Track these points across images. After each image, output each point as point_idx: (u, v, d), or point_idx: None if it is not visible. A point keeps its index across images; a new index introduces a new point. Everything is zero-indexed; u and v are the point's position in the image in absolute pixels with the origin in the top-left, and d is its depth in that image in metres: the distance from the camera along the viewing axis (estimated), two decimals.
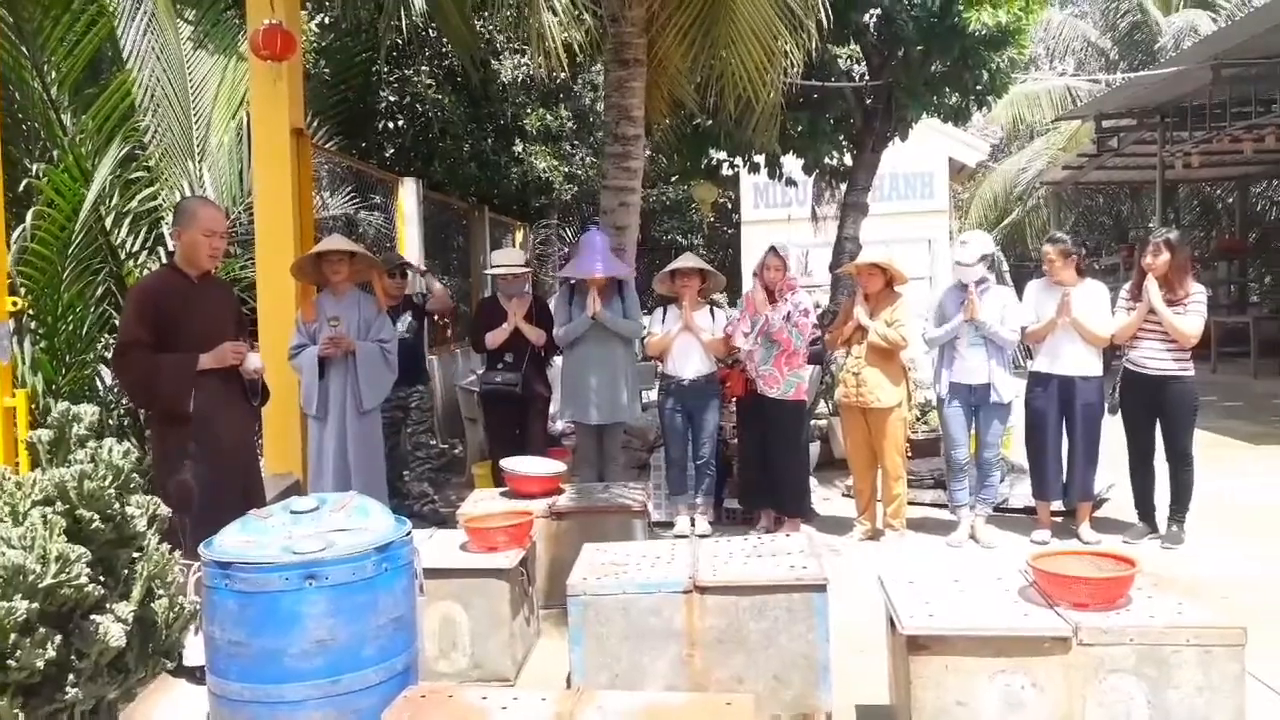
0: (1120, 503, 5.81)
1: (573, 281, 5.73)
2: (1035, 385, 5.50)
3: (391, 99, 10.06)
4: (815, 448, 6.93)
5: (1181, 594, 3.11)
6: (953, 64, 7.32)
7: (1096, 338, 5.32)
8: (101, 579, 1.97)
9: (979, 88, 7.48)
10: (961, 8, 6.77)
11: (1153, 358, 5.27)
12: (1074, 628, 2.77)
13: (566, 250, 12.57)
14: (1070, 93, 18.49)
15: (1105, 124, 13.72)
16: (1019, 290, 5.80)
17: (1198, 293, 5.20)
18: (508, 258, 6.15)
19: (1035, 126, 19.88)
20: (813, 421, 6.98)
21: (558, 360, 6.18)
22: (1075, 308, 5.27)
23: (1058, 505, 5.66)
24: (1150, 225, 16.30)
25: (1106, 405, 5.42)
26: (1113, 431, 5.58)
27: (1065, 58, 21.55)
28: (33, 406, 3.78)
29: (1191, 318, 5.15)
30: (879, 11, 7.23)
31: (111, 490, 1.98)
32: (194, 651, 2.75)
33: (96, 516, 1.96)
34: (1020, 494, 6.01)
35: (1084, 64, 20.65)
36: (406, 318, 6.26)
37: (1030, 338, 5.50)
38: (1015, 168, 19.77)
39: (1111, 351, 5.60)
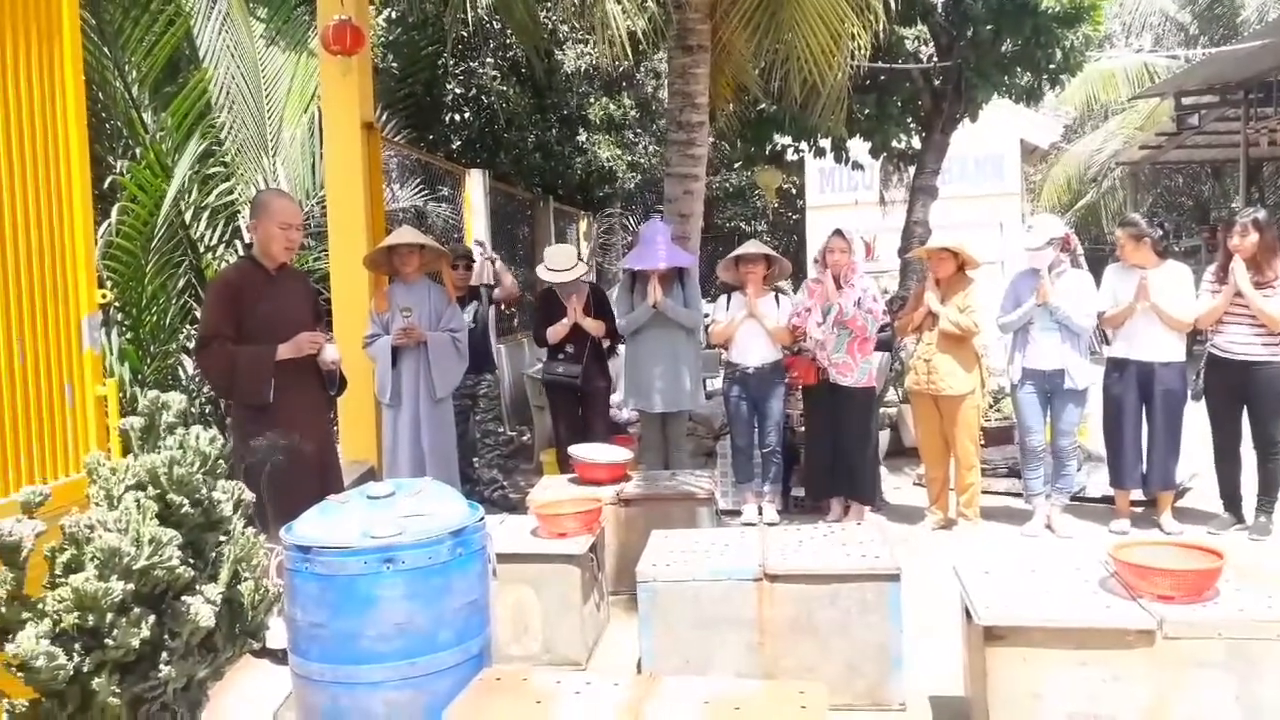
0: (1204, 492, 5.64)
1: (634, 271, 5.73)
2: (1113, 371, 5.36)
3: (458, 91, 10.16)
4: (884, 436, 6.84)
5: (1271, 587, 3.00)
6: (1024, 43, 7.14)
7: (1177, 322, 5.15)
8: (191, 561, 2.04)
9: (1052, 66, 7.28)
10: None
11: (1239, 342, 5.09)
12: (1159, 621, 2.69)
13: (630, 239, 12.58)
14: (1147, 69, 17.86)
15: (1185, 101, 13.24)
16: (1095, 275, 5.65)
17: None
18: (559, 258, 5.99)
19: (1110, 105, 19.27)
20: (881, 409, 6.89)
21: (621, 349, 6.20)
22: (1153, 291, 5.11)
23: (1137, 495, 5.51)
24: (1233, 205, 15.71)
25: (1190, 391, 5.26)
26: (1196, 419, 5.41)
27: (1142, 33, 20.83)
28: (119, 396, 3.92)
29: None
30: None
31: (199, 476, 2.05)
32: (275, 634, 2.83)
33: (186, 501, 2.02)
34: (1097, 483, 5.86)
35: (1162, 39, 19.96)
36: (474, 307, 6.33)
37: (1107, 323, 5.35)
38: (1089, 149, 19.20)
39: (1194, 336, 5.41)
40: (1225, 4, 17.69)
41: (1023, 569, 3.20)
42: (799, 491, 6.02)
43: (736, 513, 5.80)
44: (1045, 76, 7.44)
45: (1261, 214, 5.14)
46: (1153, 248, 5.26)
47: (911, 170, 8.71)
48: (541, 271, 6.14)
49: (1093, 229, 19.26)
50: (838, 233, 5.55)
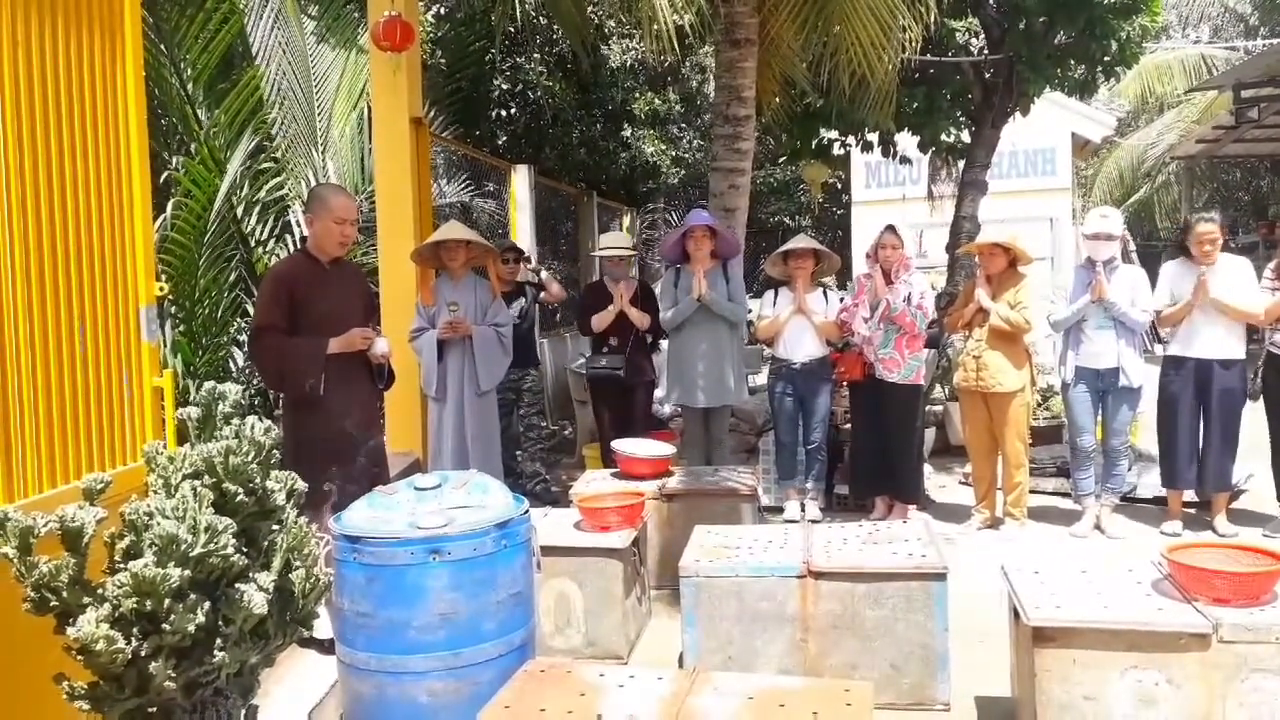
0: (1260, 494, 5.49)
1: (678, 266, 5.72)
2: (1170, 369, 5.25)
3: (504, 87, 10.22)
4: (930, 433, 6.77)
5: None
6: (1078, 34, 7.00)
7: (1246, 315, 5.02)
8: (244, 550, 2.08)
9: (1106, 59, 7.13)
10: None
11: None
12: (1214, 624, 2.63)
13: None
14: (1205, 61, 17.45)
15: (1244, 94, 12.89)
16: (1149, 272, 5.54)
17: None
18: (615, 240, 6.23)
19: (1166, 98, 18.85)
20: (928, 406, 6.82)
21: (664, 344, 6.21)
22: (1214, 287, 4.99)
23: (1189, 496, 5.40)
24: None
25: (1248, 391, 5.14)
26: (1252, 418, 5.28)
27: (1200, 25, 20.34)
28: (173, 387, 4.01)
29: None
30: None
31: (254, 465, 2.08)
32: (322, 623, 2.88)
33: (240, 490, 2.06)
34: (1148, 483, 5.75)
35: (1220, 30, 19.47)
36: (519, 302, 6.37)
37: (1165, 321, 5.24)
38: (1143, 142, 18.80)
39: (1251, 334, 5.30)
40: None
41: (1073, 570, 3.15)
42: (843, 489, 5.98)
43: (779, 509, 5.78)
44: (1099, 69, 7.29)
45: None
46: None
47: (960, 165, 8.59)
48: (597, 253, 6.36)
49: (1145, 225, 18.87)
50: (890, 228, 5.50)
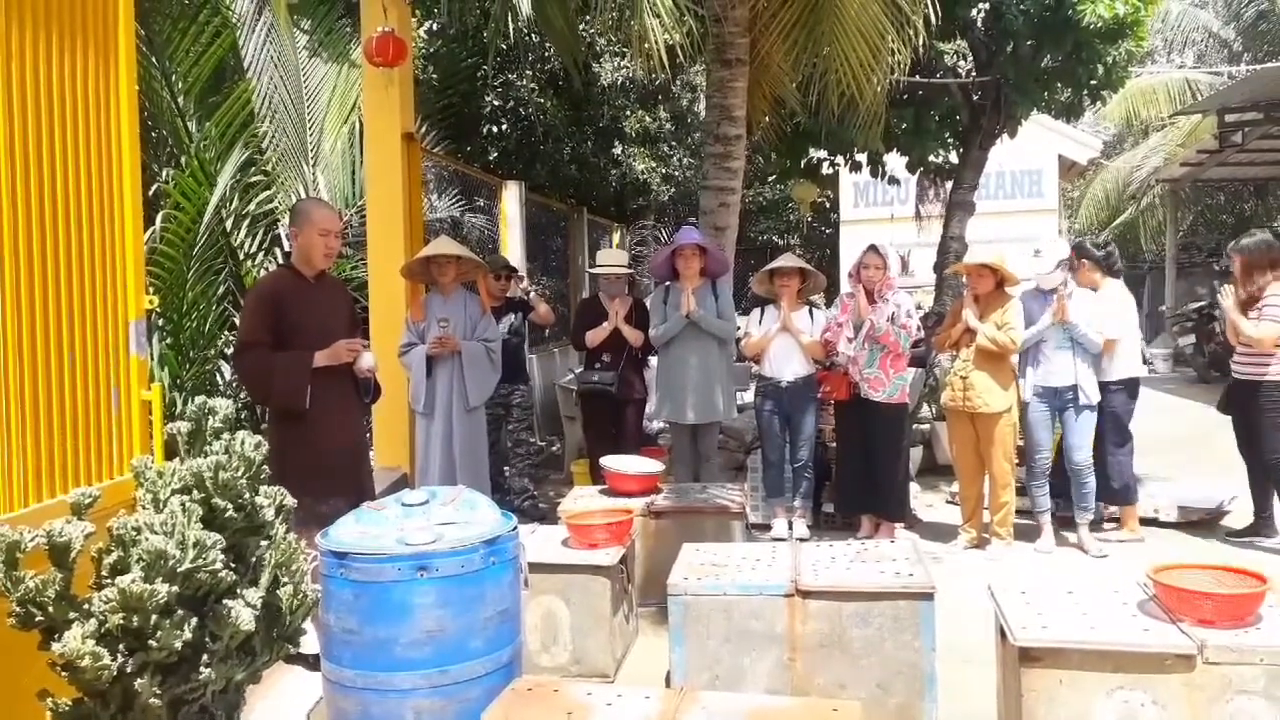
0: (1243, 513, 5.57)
1: (667, 283, 5.74)
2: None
3: (496, 103, 10.26)
4: (917, 452, 6.79)
5: None
6: (1065, 58, 7.09)
7: (1094, 344, 5.31)
8: (233, 565, 2.07)
9: (1093, 82, 7.22)
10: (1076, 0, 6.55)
11: (1238, 363, 5.37)
12: (1199, 645, 2.65)
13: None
14: (1190, 86, 17.64)
15: (1228, 118, 13.06)
16: (1134, 294, 5.66)
17: (1272, 295, 5.16)
18: (612, 258, 6.24)
19: (1151, 122, 19.05)
20: (915, 425, 6.85)
21: (654, 360, 6.22)
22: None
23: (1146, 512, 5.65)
24: (1276, 225, 15.44)
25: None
26: (1226, 435, 5.48)
27: (1184, 50, 20.57)
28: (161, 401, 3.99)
29: (1263, 324, 5.14)
30: (987, 5, 7.05)
31: (244, 480, 2.08)
32: (308, 639, 2.86)
33: (230, 505, 2.05)
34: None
35: (1204, 56, 19.69)
36: (510, 319, 6.37)
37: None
38: (1129, 165, 18.98)
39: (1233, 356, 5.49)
40: (1271, 20, 17.43)
41: (1059, 590, 3.16)
42: (830, 507, 5.99)
43: (767, 527, 5.78)
44: (1086, 92, 7.37)
45: (1246, 240, 5.44)
46: (1097, 269, 5.58)
47: (948, 185, 8.66)
48: (594, 270, 6.39)
49: (1130, 247, 19.01)
50: (872, 248, 5.53)
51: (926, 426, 7.26)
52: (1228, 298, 5.39)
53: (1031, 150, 12.25)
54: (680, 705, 2.44)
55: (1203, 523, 5.71)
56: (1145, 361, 5.63)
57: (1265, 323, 5.13)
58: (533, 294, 7.02)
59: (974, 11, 7.16)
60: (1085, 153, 14.66)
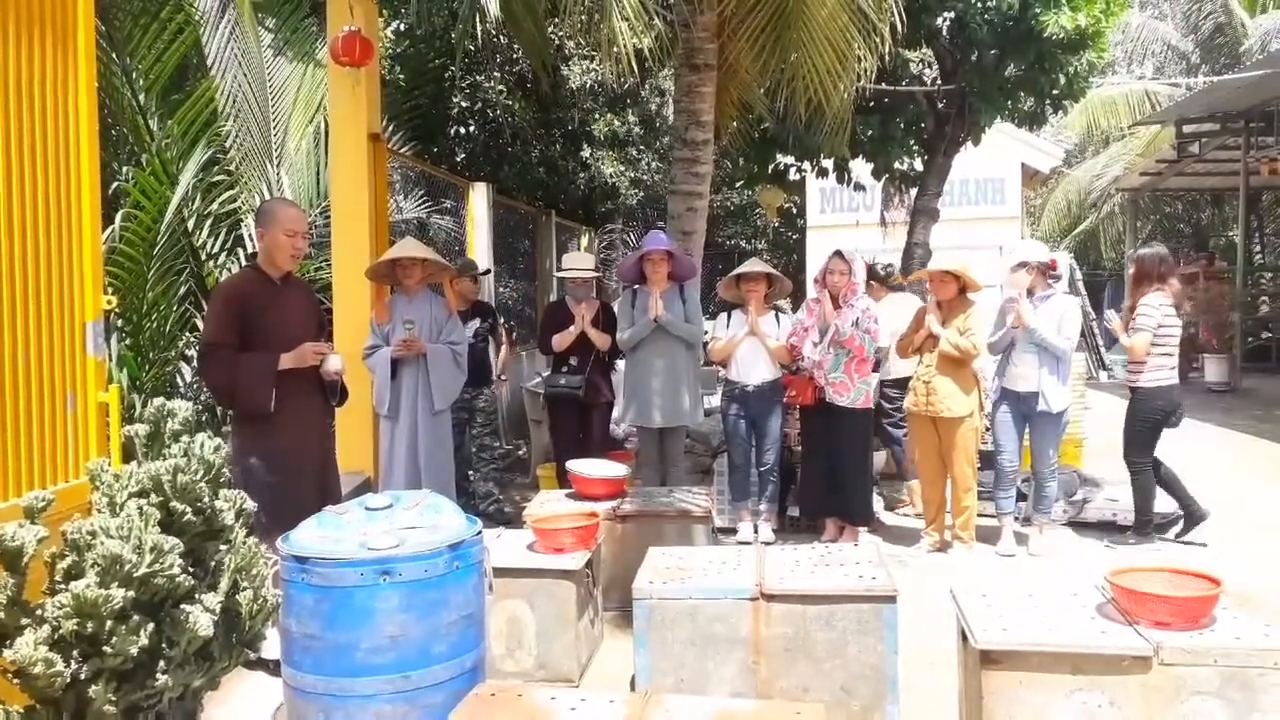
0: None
1: (635, 287, 5.74)
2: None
3: (464, 105, 10.21)
4: (880, 457, 6.84)
5: (1270, 615, 3.00)
6: (1028, 68, 7.18)
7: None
8: (191, 570, 2.04)
9: (1055, 92, 7.32)
10: (1039, 11, 6.64)
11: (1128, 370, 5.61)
12: (1155, 647, 2.69)
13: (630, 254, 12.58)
14: (1149, 97, 17.96)
15: (1186, 129, 13.32)
16: (1093, 300, 5.76)
17: (1144, 306, 5.38)
18: (578, 261, 6.21)
19: (1111, 132, 19.37)
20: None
21: (621, 364, 6.21)
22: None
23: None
24: (1231, 234, 15.75)
25: (1173, 419, 5.50)
26: (1179, 447, 5.65)
27: (1144, 61, 20.93)
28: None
29: (1135, 334, 5.39)
30: (952, 15, 7.13)
31: (203, 484, 2.05)
32: (270, 644, 2.83)
33: (189, 509, 2.02)
34: (1098, 507, 5.88)
35: (1164, 68, 20.04)
36: (476, 323, 6.34)
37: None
38: (1089, 174, 19.30)
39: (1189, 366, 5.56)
40: (1227, 34, 17.78)
41: (1019, 593, 3.20)
42: (795, 511, 6.02)
43: (732, 531, 5.80)
44: (1048, 101, 7.48)
45: (1143, 250, 5.74)
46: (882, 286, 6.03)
47: (913, 192, 8.74)
48: (561, 274, 6.37)
49: (1091, 254, 19.32)
50: (837, 254, 5.57)
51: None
52: (1114, 318, 5.75)
53: (995, 158, 12.39)
54: (645, 709, 2.43)
55: (1159, 526, 5.78)
56: (1105, 367, 5.67)
57: (1137, 333, 5.35)
58: (500, 328, 6.98)
59: (939, 21, 7.23)
60: (1048, 161, 14.86)
